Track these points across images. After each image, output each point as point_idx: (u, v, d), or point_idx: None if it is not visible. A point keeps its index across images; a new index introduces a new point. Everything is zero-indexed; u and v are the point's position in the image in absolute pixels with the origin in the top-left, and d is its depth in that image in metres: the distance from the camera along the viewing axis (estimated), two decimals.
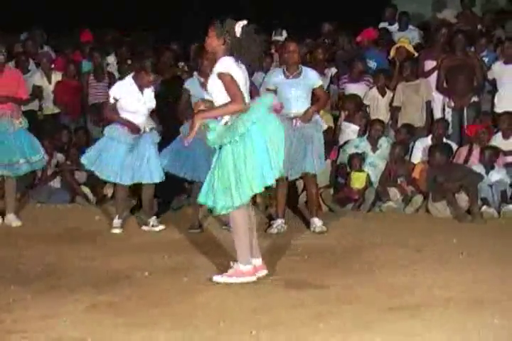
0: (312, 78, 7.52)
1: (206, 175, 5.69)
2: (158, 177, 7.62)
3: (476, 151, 8.75)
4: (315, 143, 7.50)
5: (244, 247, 5.67)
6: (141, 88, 7.58)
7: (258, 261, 5.80)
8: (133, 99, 7.52)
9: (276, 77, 7.54)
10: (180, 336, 4.64)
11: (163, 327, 4.79)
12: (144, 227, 7.71)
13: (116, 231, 7.60)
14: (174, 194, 8.64)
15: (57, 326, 4.82)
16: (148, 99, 7.60)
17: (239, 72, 5.55)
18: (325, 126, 7.87)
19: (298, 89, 7.43)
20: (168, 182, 7.73)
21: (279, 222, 7.59)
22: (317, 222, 7.53)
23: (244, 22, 5.59)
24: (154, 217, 7.78)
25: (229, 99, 5.49)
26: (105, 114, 7.77)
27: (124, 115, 7.56)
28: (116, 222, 7.66)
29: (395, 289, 5.50)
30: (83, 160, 7.65)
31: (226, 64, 5.52)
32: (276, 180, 7.27)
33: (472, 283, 5.64)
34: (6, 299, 5.36)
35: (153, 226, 7.69)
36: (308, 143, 7.47)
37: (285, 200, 7.71)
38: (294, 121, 7.39)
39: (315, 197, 7.67)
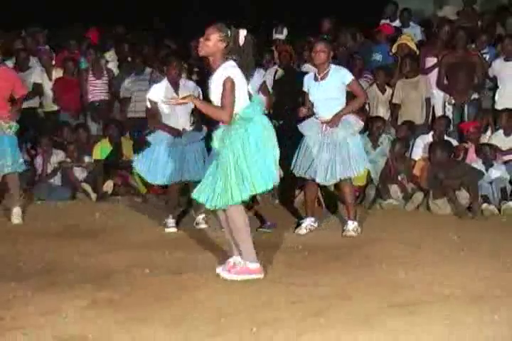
0: (341, 76, 7.25)
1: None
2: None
3: (472, 149, 8.75)
4: (349, 145, 7.24)
5: (248, 244, 5.69)
6: (176, 90, 7.53)
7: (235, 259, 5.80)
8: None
9: (309, 79, 7.38)
10: (180, 332, 4.64)
11: (163, 323, 4.79)
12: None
13: (172, 230, 7.53)
14: None
15: (57, 323, 4.82)
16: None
17: (242, 78, 5.59)
18: (359, 127, 7.44)
19: (327, 90, 7.21)
20: None
21: (309, 221, 7.47)
22: (350, 226, 7.31)
23: (245, 31, 5.63)
24: (202, 215, 7.69)
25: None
26: (148, 123, 7.87)
27: (163, 118, 7.55)
28: (171, 221, 7.60)
29: (395, 285, 5.49)
30: (139, 171, 7.69)
31: (233, 70, 5.55)
32: (308, 182, 7.38)
33: (472, 279, 5.63)
34: (5, 296, 5.36)
35: (197, 224, 7.67)
36: (342, 148, 7.23)
37: (315, 200, 7.60)
38: (324, 126, 7.24)
39: (350, 203, 7.37)
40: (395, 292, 5.31)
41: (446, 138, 8.97)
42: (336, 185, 7.79)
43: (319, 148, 7.26)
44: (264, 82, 9.23)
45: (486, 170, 8.47)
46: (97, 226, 7.76)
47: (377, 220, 7.95)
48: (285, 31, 10.86)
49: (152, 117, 7.66)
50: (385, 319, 4.76)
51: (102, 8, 15.38)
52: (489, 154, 8.59)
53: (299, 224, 7.51)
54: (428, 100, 9.44)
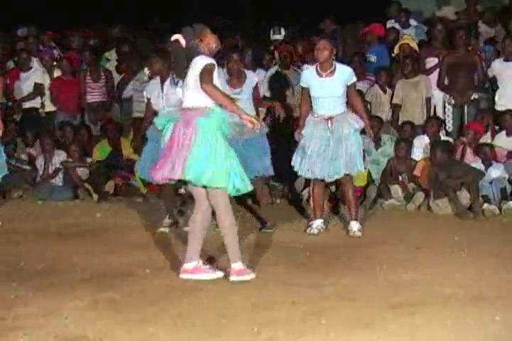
0: (346, 75, 7.20)
1: None
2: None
3: (469, 150, 8.73)
4: (352, 142, 7.19)
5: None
6: (162, 85, 7.44)
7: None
8: (157, 96, 7.46)
9: (309, 75, 7.25)
10: (181, 332, 4.64)
11: (164, 323, 4.79)
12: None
13: (165, 230, 7.45)
14: None
15: (58, 323, 4.82)
16: (170, 94, 7.50)
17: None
18: (362, 125, 7.32)
19: (332, 88, 7.14)
20: None
21: (319, 222, 7.38)
22: (354, 226, 7.26)
23: (175, 36, 5.67)
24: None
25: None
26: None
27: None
28: (167, 221, 7.56)
29: (395, 286, 5.50)
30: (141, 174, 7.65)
31: None
32: (313, 182, 7.31)
33: (473, 279, 5.63)
34: (7, 296, 5.36)
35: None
36: (347, 143, 7.17)
37: (322, 201, 7.50)
38: (329, 122, 7.15)
39: (351, 199, 7.33)
40: (395, 293, 5.32)
41: (445, 138, 8.97)
42: (338, 184, 7.78)
43: (325, 145, 7.17)
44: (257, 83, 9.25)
45: (485, 169, 8.46)
46: (97, 226, 7.76)
47: (378, 220, 7.95)
48: (283, 31, 10.83)
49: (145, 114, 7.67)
50: (385, 320, 4.76)
51: (102, 8, 15.39)
52: (488, 154, 8.58)
53: (309, 225, 7.40)
54: (428, 100, 9.42)
